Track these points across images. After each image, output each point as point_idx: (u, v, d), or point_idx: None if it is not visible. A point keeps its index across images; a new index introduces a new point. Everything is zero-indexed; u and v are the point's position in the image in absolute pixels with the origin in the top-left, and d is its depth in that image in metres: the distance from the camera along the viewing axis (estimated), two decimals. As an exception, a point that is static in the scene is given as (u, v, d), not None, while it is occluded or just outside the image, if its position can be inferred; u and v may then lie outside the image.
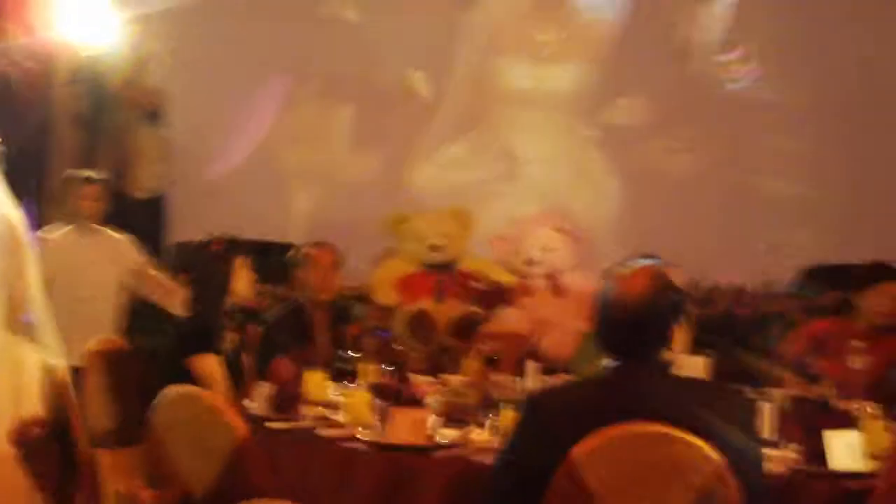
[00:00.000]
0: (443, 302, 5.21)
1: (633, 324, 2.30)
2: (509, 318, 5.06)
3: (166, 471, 2.47)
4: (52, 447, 2.49)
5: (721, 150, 7.27)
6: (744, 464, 2.21)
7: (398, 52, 7.42)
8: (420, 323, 5.06)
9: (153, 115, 6.82)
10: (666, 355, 2.32)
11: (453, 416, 3.21)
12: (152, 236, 6.41)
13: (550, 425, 2.28)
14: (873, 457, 2.84)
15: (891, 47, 6.95)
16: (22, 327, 3.13)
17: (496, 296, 5.13)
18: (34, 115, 6.10)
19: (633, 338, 2.31)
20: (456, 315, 5.10)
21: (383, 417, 3.01)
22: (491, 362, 3.66)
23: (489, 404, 3.25)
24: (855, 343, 4.19)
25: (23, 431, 2.46)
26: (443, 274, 5.34)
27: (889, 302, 4.24)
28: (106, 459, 2.80)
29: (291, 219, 7.36)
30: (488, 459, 2.68)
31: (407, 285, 5.32)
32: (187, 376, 4.58)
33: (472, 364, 3.68)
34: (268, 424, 3.23)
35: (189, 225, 6.85)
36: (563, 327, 4.87)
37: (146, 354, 4.48)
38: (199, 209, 6.91)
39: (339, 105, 7.58)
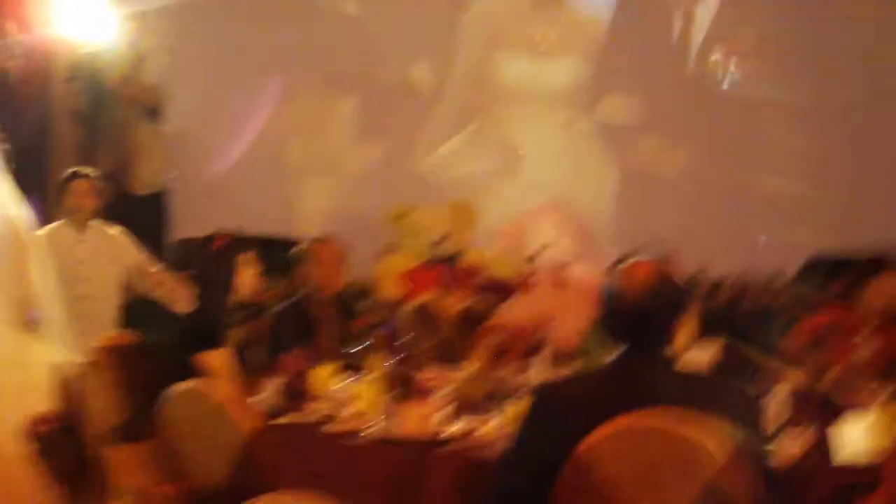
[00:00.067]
0: (448, 295, 5.22)
1: (639, 315, 2.33)
2: (514, 311, 5.06)
3: (176, 466, 2.48)
4: (64, 442, 2.51)
5: (722, 146, 7.25)
6: (748, 458, 2.23)
7: (399, 45, 7.40)
8: (426, 316, 5.06)
9: (153, 112, 6.81)
10: (669, 350, 2.35)
11: (460, 410, 3.21)
12: (155, 233, 6.41)
13: (558, 418, 2.30)
14: (883, 445, 2.84)
15: (891, 45, 6.94)
16: (29, 325, 3.15)
17: (501, 288, 5.14)
18: (33, 112, 6.10)
19: (639, 329, 2.34)
20: (462, 308, 5.10)
21: (390, 411, 3.03)
22: (497, 355, 3.67)
23: (496, 397, 3.26)
24: (858, 335, 4.19)
25: (37, 426, 2.48)
26: (446, 267, 5.35)
27: (891, 293, 4.24)
28: (116, 455, 2.81)
29: (294, 214, 7.34)
30: (496, 452, 2.69)
31: (411, 279, 5.32)
32: (192, 373, 4.58)
33: (478, 357, 3.69)
34: (276, 419, 3.23)
35: (191, 222, 6.83)
36: (568, 320, 4.87)
37: (151, 351, 4.48)
38: (201, 206, 6.90)
39: (340, 99, 7.57)
